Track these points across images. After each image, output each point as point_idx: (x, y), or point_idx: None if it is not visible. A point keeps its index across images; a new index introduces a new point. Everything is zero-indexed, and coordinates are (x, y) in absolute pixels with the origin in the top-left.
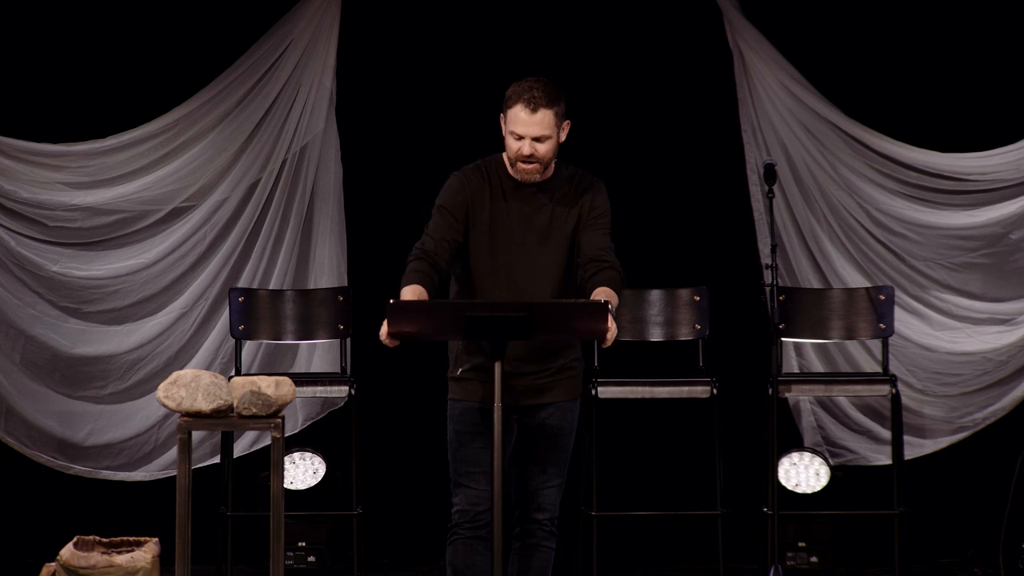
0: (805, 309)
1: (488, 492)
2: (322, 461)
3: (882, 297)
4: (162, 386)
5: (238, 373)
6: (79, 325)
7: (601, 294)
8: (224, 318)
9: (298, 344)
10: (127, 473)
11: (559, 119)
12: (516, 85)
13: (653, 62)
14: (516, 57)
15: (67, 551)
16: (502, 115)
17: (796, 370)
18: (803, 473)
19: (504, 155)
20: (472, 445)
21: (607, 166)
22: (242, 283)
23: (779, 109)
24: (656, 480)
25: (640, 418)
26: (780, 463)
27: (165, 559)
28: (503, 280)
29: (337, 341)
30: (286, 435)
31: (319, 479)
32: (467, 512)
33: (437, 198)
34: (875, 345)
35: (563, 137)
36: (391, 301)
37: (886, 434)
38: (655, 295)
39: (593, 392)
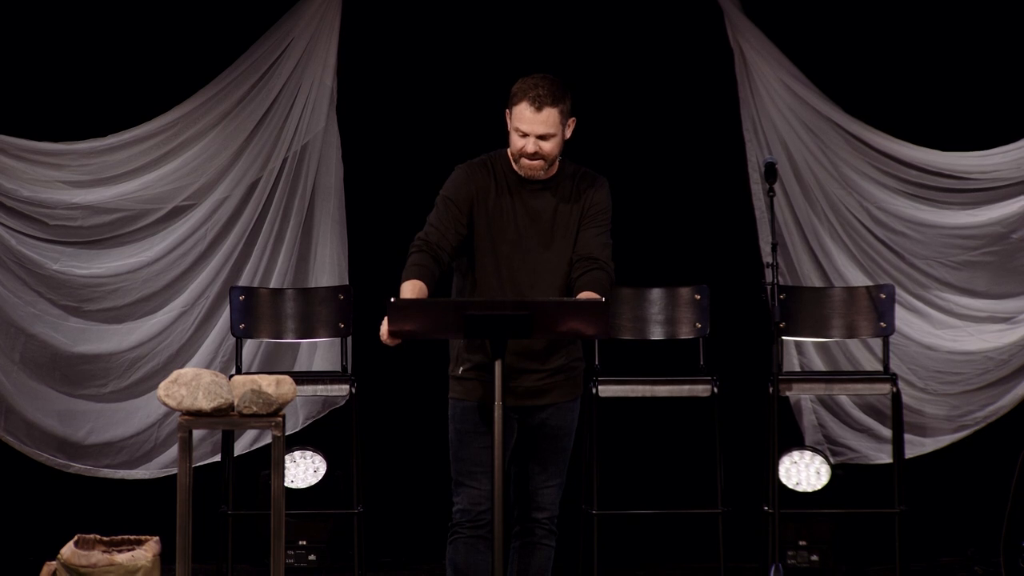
0: (806, 307)
1: (489, 491)
2: (323, 460)
3: (883, 295)
4: (163, 384)
5: (239, 372)
6: (79, 323)
7: (585, 297)
8: (225, 316)
9: (299, 343)
10: (128, 471)
11: (564, 117)
12: (522, 81)
13: (654, 61)
14: (517, 56)
15: (68, 550)
16: (507, 110)
17: (797, 368)
18: (804, 471)
19: (509, 150)
20: (473, 445)
21: (609, 164)
22: (243, 281)
23: (780, 107)
24: (657, 478)
25: (641, 417)
26: (781, 461)
27: (166, 558)
28: (506, 277)
29: (338, 340)
30: (287, 434)
31: (320, 478)
32: (468, 511)
33: (442, 189)
34: (876, 344)
35: (568, 134)
36: (391, 300)
37: (887, 432)
38: (656, 294)
39: (594, 391)
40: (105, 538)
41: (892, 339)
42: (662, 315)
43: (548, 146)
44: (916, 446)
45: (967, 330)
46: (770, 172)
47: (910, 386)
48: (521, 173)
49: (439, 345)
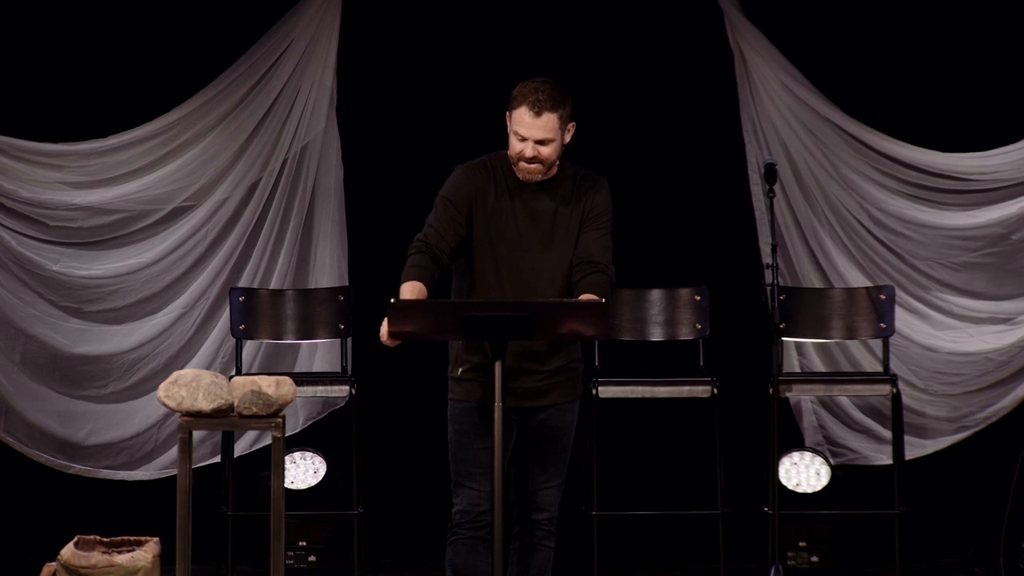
0: (806, 308)
1: (489, 492)
2: (323, 461)
3: (883, 296)
4: (163, 386)
5: (239, 373)
6: (79, 324)
7: (585, 298)
8: (225, 317)
9: (299, 344)
10: (128, 472)
11: (563, 122)
12: (522, 85)
13: (654, 62)
14: (517, 57)
15: (68, 550)
16: (507, 113)
17: (797, 369)
18: (804, 472)
19: (508, 152)
20: (473, 446)
21: (609, 165)
22: (243, 283)
23: (780, 108)
24: (657, 479)
25: (641, 418)
26: (781, 462)
27: (166, 558)
28: (505, 277)
29: (338, 341)
30: (287, 435)
31: (320, 479)
32: (468, 512)
33: (441, 190)
34: (876, 345)
35: (567, 139)
36: (391, 301)
37: (887, 434)
38: (656, 294)
39: (594, 392)
40: (105, 539)
41: (892, 340)
42: (662, 316)
43: (546, 151)
44: (916, 447)
45: (967, 331)
46: (770, 173)
47: (910, 387)
48: (519, 176)
49: (439, 346)
